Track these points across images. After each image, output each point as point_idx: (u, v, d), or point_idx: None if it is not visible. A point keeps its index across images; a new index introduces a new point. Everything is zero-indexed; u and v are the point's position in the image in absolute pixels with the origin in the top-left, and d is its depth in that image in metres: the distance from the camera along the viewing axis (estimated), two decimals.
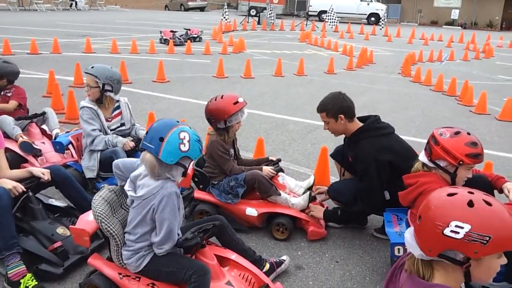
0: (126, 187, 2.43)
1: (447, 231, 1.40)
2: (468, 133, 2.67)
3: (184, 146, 2.28)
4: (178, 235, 2.42)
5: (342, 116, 3.27)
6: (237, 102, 3.38)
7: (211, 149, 3.49)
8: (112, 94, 3.95)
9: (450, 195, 1.47)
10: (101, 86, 3.86)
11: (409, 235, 1.57)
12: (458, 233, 1.38)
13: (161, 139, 2.26)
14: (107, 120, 3.98)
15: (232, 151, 3.63)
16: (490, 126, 7.12)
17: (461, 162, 2.60)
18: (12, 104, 4.67)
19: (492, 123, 7.29)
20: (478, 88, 8.88)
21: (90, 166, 3.83)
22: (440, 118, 7.41)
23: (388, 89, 9.66)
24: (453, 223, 1.39)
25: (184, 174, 2.41)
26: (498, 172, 3.09)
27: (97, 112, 3.91)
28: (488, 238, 1.35)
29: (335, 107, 3.27)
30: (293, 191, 3.69)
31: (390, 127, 3.40)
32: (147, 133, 2.34)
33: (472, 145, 2.61)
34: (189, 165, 2.41)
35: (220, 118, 3.39)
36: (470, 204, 1.41)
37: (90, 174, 3.82)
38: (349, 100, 3.33)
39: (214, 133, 3.53)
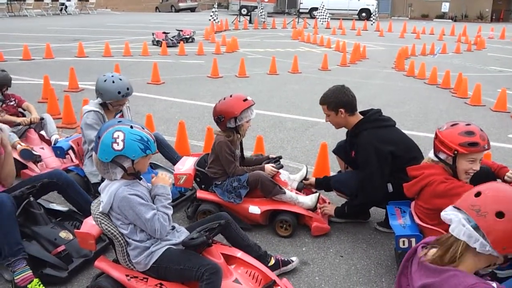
0: (101, 199, 2.47)
1: None
2: (468, 124, 2.65)
3: (118, 145, 2.31)
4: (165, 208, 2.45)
5: (342, 110, 3.29)
6: (246, 99, 3.44)
7: (217, 150, 3.47)
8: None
9: None
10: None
11: (467, 226, 1.55)
12: None
13: (99, 138, 2.36)
14: None
15: (238, 152, 3.62)
16: (486, 117, 7.17)
17: (456, 152, 2.58)
18: (34, 109, 4.79)
19: (487, 114, 7.34)
20: (472, 80, 8.93)
21: (93, 171, 3.80)
22: (435, 111, 7.45)
23: (383, 84, 9.69)
24: None
25: None
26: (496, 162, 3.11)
27: (103, 116, 3.89)
28: None
29: (336, 101, 3.30)
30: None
31: (391, 120, 3.42)
32: None
33: (466, 134, 2.56)
34: (135, 164, 2.38)
35: (230, 116, 3.39)
36: None
37: (94, 179, 3.81)
38: (351, 94, 3.35)
39: (222, 133, 3.51)
